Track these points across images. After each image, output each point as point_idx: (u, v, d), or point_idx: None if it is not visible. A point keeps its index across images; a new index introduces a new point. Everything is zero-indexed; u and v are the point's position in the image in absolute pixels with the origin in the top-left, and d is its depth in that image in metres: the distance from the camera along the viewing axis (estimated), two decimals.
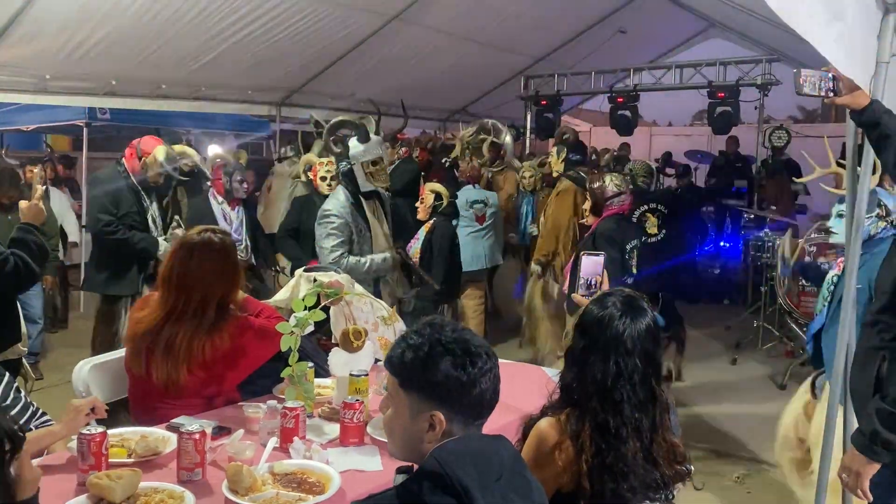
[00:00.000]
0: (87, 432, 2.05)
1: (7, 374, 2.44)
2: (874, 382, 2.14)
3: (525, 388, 2.85)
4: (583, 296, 2.55)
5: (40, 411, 2.46)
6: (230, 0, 6.02)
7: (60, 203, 6.99)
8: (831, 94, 2.31)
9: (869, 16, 2.27)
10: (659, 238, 5.68)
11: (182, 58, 6.58)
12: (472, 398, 1.53)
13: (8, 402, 2.35)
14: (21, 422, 2.32)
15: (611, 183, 4.59)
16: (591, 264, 2.58)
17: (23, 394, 2.45)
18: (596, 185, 4.67)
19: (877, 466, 2.19)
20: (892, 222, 3.15)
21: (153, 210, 4.70)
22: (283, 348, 2.54)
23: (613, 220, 4.53)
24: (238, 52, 6.76)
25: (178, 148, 4.89)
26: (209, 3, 5.92)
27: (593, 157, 8.40)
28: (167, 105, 7.13)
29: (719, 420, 5.24)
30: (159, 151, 4.58)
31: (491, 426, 2.63)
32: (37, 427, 2.36)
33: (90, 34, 5.70)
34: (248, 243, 4.92)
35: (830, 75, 2.30)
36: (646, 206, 5.74)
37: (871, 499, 2.26)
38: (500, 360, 3.21)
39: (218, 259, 2.64)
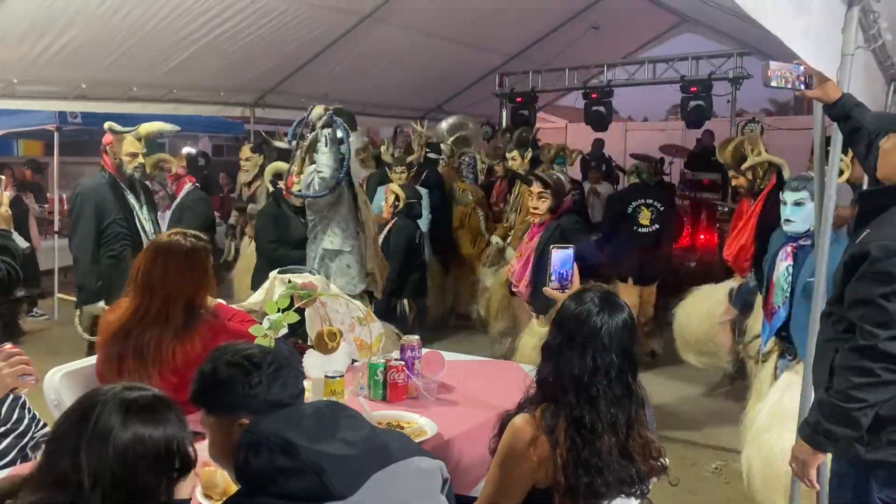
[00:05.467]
0: None
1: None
2: (828, 374, 2.17)
3: (502, 385, 2.85)
4: (554, 289, 2.56)
5: (41, 422, 2.41)
6: (201, 0, 5.96)
7: None
8: (802, 88, 2.34)
9: (833, 9, 2.30)
10: (651, 230, 6.16)
11: (153, 60, 6.51)
12: (266, 400, 1.68)
13: (12, 422, 2.28)
14: (34, 433, 2.28)
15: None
16: (562, 257, 2.58)
17: (27, 408, 2.38)
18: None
19: (822, 456, 2.23)
20: None
21: (141, 211, 4.50)
22: None
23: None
24: (210, 53, 6.69)
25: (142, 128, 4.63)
26: (179, 3, 5.86)
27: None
28: (139, 108, 7.05)
29: (695, 411, 5.29)
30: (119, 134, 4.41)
31: (469, 423, 2.63)
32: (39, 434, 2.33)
33: (58, 37, 5.61)
34: None
35: (801, 69, 2.32)
36: (642, 201, 6.21)
37: (818, 488, 2.33)
38: (476, 359, 3.20)
39: (183, 261, 2.61)
